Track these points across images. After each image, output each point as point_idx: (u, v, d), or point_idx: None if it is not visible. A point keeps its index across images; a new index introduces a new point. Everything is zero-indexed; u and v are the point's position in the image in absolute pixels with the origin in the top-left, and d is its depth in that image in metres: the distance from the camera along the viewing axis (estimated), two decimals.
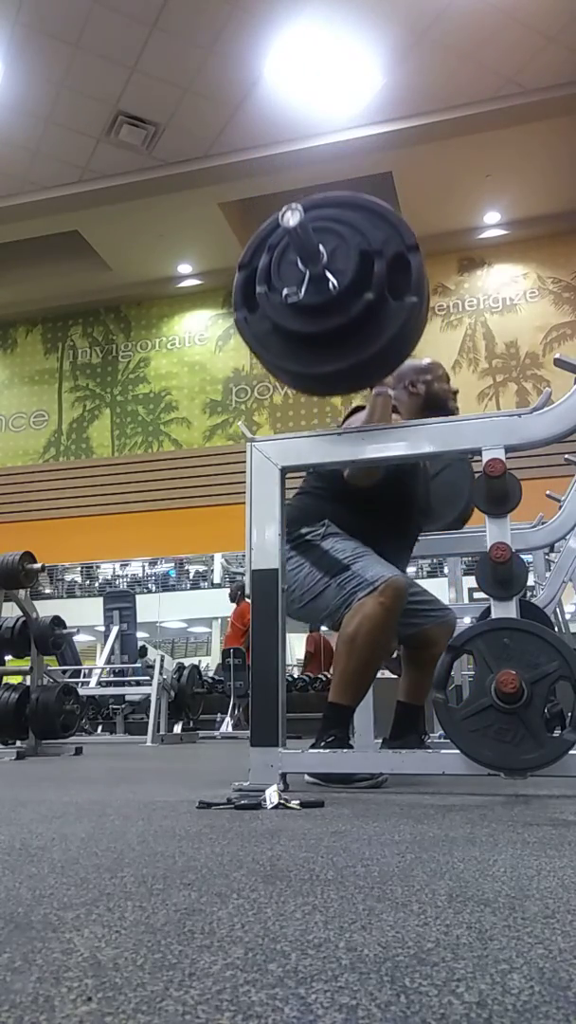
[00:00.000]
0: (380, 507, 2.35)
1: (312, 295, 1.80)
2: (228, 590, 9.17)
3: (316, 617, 2.36)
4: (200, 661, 9.20)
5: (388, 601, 2.16)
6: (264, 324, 1.91)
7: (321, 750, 2.10)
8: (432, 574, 9.20)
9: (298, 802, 1.62)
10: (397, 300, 1.82)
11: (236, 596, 8.72)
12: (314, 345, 1.87)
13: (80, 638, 10.07)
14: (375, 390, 2.20)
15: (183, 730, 6.74)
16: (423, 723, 2.75)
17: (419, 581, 3.05)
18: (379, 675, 3.14)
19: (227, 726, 7.66)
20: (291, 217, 1.71)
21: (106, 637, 7.95)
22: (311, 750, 2.06)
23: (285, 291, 1.82)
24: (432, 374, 2.61)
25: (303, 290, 1.80)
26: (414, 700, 2.65)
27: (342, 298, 1.79)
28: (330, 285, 1.78)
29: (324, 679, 8.59)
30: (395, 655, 2.76)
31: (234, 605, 8.79)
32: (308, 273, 1.80)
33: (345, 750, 2.14)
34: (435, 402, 2.57)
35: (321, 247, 1.80)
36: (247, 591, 2.04)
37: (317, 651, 8.78)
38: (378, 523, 2.36)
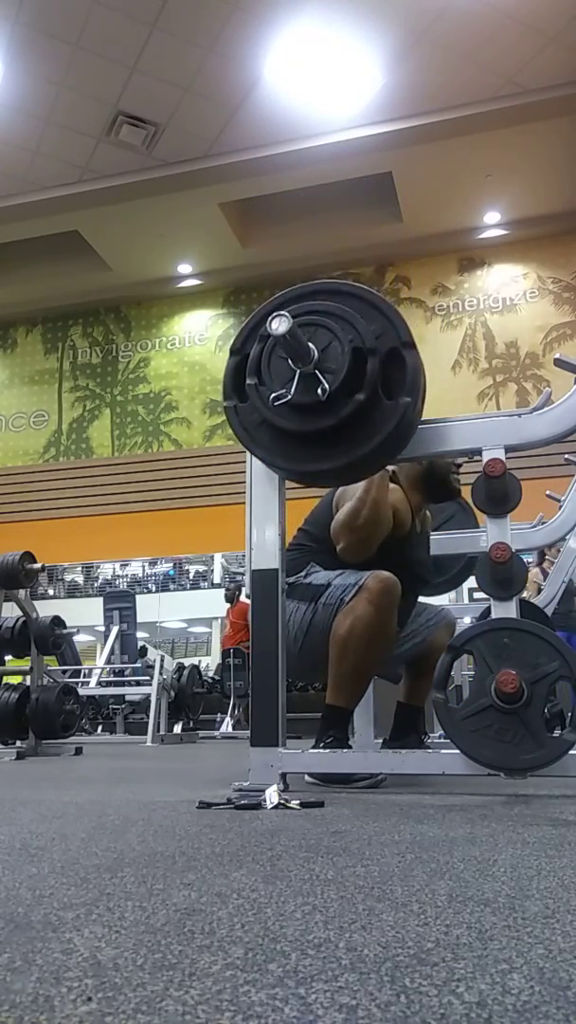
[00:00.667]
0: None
1: (302, 395, 1.74)
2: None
3: (318, 656, 2.21)
4: (200, 661, 9.20)
5: (377, 599, 2.13)
6: (254, 416, 1.85)
7: (321, 750, 2.10)
8: None
9: (298, 802, 1.62)
10: (391, 400, 1.76)
11: (233, 597, 8.74)
12: (305, 443, 1.82)
13: (80, 638, 10.06)
14: None
15: (183, 730, 6.75)
16: (423, 723, 2.75)
17: None
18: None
19: (227, 726, 7.66)
20: (279, 325, 1.65)
21: (106, 637, 7.95)
22: (311, 751, 2.06)
23: (273, 395, 1.76)
24: None
25: (292, 390, 1.74)
26: (414, 701, 2.66)
27: (333, 399, 1.73)
28: (319, 390, 1.72)
29: None
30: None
31: (228, 605, 8.81)
32: (298, 373, 1.74)
33: (344, 750, 2.14)
34: (436, 475, 2.48)
35: (312, 345, 1.73)
36: (247, 591, 2.04)
37: None
38: None
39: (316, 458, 1.82)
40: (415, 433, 1.88)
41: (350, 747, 2.27)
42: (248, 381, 1.83)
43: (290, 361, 1.74)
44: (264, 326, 1.74)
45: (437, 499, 2.59)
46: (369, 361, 1.73)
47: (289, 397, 1.74)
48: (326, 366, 1.73)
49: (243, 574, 2.11)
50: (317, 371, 1.73)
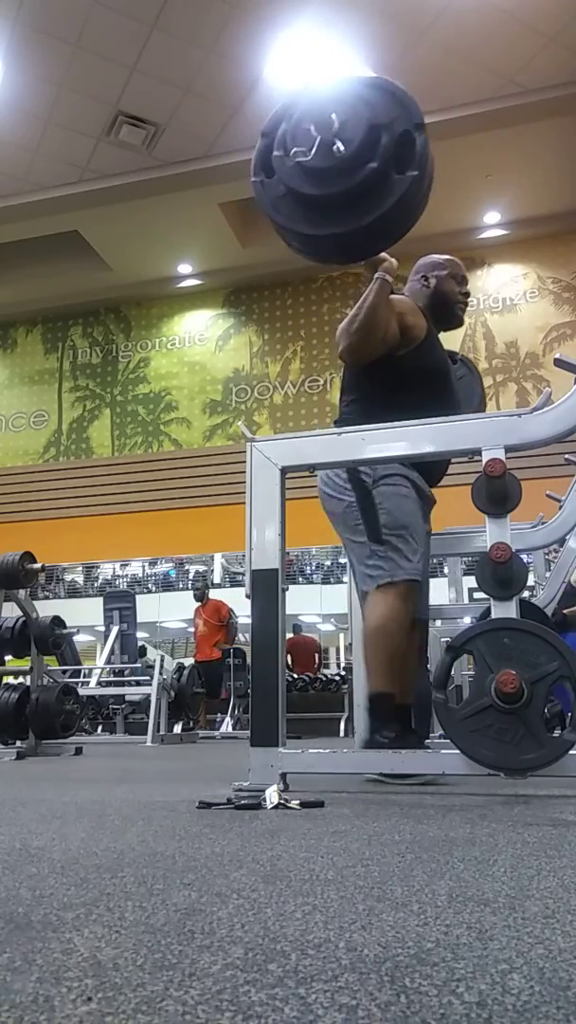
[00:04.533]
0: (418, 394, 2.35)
1: (320, 159, 1.98)
2: (227, 589, 9.12)
3: (341, 532, 2.41)
4: None
5: (407, 593, 2.27)
6: (278, 188, 2.07)
7: (381, 751, 2.07)
8: (432, 574, 9.18)
9: (298, 802, 1.62)
10: (400, 173, 1.98)
11: (203, 595, 8.58)
12: (321, 208, 2.04)
13: (80, 638, 10.06)
14: (376, 275, 2.27)
15: (183, 730, 6.74)
16: (427, 721, 2.70)
17: None
18: None
19: (227, 726, 7.66)
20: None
21: (106, 637, 7.95)
22: (365, 751, 2.06)
23: (294, 150, 1.99)
24: (445, 271, 2.61)
25: (312, 152, 1.98)
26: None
27: (348, 164, 1.96)
28: (335, 149, 1.95)
29: (324, 679, 8.58)
30: None
31: (199, 604, 8.66)
32: (319, 138, 1.98)
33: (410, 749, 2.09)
34: (440, 299, 2.58)
35: (334, 116, 1.98)
36: (248, 591, 2.03)
37: (293, 651, 8.65)
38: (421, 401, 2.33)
39: (330, 223, 2.05)
40: (422, 210, 2.09)
41: (417, 737, 2.26)
42: (275, 153, 2.06)
43: (312, 130, 2.00)
44: (291, 108, 2.05)
45: (442, 324, 2.63)
46: (383, 136, 1.98)
47: (309, 156, 1.98)
48: (344, 136, 1.98)
49: (243, 574, 2.12)
50: (336, 139, 1.97)
